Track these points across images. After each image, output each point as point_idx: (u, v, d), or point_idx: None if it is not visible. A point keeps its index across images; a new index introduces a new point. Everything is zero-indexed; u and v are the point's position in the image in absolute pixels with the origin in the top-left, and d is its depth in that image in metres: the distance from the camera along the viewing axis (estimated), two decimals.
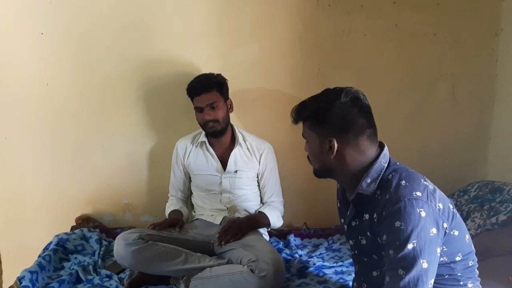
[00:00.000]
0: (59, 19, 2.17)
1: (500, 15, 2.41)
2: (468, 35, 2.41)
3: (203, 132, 2.16)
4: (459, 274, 1.28)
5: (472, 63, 2.45)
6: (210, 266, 1.83)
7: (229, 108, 2.13)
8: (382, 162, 1.26)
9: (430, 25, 2.37)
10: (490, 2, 2.40)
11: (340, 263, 1.99)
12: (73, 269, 1.91)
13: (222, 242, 1.93)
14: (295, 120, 1.32)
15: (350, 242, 1.42)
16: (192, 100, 2.09)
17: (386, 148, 1.30)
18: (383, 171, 1.26)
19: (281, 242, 2.27)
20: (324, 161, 1.30)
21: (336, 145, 1.26)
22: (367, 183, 1.25)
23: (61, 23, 2.17)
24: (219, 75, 2.10)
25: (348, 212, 1.36)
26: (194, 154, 2.17)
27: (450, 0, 2.36)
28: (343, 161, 1.27)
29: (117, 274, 1.91)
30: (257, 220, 2.09)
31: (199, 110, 2.06)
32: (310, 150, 1.34)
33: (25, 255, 2.06)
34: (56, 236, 2.12)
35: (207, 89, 2.02)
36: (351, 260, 1.83)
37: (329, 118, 1.26)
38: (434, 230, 1.15)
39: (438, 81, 2.45)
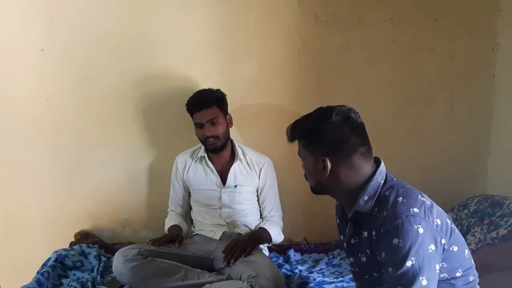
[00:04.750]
0: (60, 35, 2.19)
1: (496, 30, 2.43)
2: (465, 50, 2.43)
3: (203, 147, 2.16)
4: None
5: (470, 78, 2.47)
6: (210, 282, 1.82)
7: (229, 123, 2.13)
8: (378, 179, 1.27)
9: (428, 41, 2.39)
10: (487, 18, 2.42)
11: (340, 279, 1.98)
12: (71, 285, 1.90)
13: (232, 261, 1.90)
14: (290, 139, 1.34)
15: (350, 259, 1.41)
16: (191, 116, 2.09)
17: (382, 164, 1.30)
18: (380, 187, 1.26)
19: (281, 258, 2.25)
20: (319, 179, 1.31)
21: (329, 164, 1.26)
22: (364, 200, 1.25)
23: (62, 39, 2.19)
24: (218, 90, 2.11)
25: (347, 230, 1.36)
26: (193, 169, 2.17)
27: (446, 16, 2.38)
28: (337, 179, 1.28)
29: None
30: (259, 236, 2.09)
31: (199, 126, 2.06)
32: (305, 168, 1.35)
33: (23, 272, 2.05)
34: (54, 252, 2.11)
35: (207, 105, 2.03)
36: (351, 275, 1.82)
37: (321, 138, 1.27)
38: (433, 247, 1.14)
39: (436, 96, 2.47)
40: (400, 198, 1.20)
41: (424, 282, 1.11)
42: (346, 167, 1.26)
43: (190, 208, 2.27)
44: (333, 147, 1.26)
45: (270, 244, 2.21)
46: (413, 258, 1.11)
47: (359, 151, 1.26)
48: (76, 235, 2.34)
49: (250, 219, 2.17)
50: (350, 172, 1.27)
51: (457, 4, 2.39)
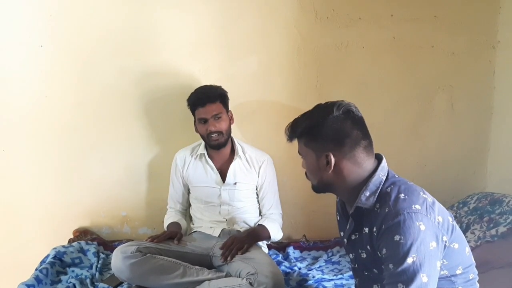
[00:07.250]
0: (59, 31, 2.18)
1: (497, 27, 2.43)
2: (465, 47, 2.42)
3: (202, 144, 2.15)
4: (460, 287, 1.27)
5: (470, 75, 2.47)
6: (209, 279, 1.82)
7: (230, 120, 2.13)
8: (380, 175, 1.26)
9: (428, 38, 2.38)
10: (487, 15, 2.42)
11: (339, 276, 1.98)
12: (70, 282, 1.89)
13: (228, 258, 1.91)
14: (290, 138, 1.33)
15: (350, 255, 1.41)
16: (194, 111, 2.08)
17: (384, 161, 1.30)
18: (382, 184, 1.26)
19: (280, 255, 2.25)
20: (322, 176, 1.30)
21: (333, 159, 1.25)
22: (366, 196, 1.25)
23: (60, 35, 2.18)
24: (220, 87, 2.10)
25: (348, 226, 1.35)
26: (193, 166, 2.17)
27: (447, 13, 2.37)
28: (340, 175, 1.27)
29: (115, 287, 1.89)
30: (258, 233, 2.08)
31: (203, 121, 2.05)
32: (307, 166, 1.34)
33: (21, 268, 2.04)
34: (53, 248, 2.10)
35: (212, 100, 2.02)
36: (350, 273, 1.82)
37: (323, 133, 1.26)
38: (434, 244, 1.14)
39: (436, 93, 2.46)
40: (402, 195, 1.20)
41: (425, 279, 1.11)
42: (349, 162, 1.26)
43: (189, 205, 2.27)
44: (335, 142, 1.25)
45: (269, 242, 2.20)
46: (414, 255, 1.11)
47: (361, 144, 1.26)
48: (75, 232, 2.34)
49: (249, 216, 2.16)
50: (353, 167, 1.26)
51: (458, 1, 2.38)
